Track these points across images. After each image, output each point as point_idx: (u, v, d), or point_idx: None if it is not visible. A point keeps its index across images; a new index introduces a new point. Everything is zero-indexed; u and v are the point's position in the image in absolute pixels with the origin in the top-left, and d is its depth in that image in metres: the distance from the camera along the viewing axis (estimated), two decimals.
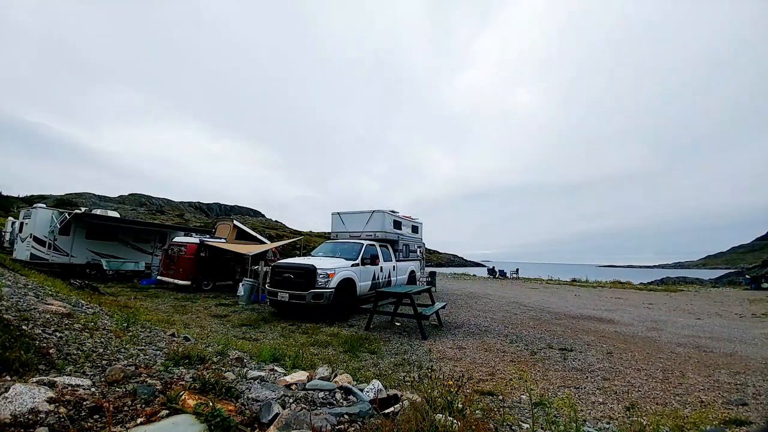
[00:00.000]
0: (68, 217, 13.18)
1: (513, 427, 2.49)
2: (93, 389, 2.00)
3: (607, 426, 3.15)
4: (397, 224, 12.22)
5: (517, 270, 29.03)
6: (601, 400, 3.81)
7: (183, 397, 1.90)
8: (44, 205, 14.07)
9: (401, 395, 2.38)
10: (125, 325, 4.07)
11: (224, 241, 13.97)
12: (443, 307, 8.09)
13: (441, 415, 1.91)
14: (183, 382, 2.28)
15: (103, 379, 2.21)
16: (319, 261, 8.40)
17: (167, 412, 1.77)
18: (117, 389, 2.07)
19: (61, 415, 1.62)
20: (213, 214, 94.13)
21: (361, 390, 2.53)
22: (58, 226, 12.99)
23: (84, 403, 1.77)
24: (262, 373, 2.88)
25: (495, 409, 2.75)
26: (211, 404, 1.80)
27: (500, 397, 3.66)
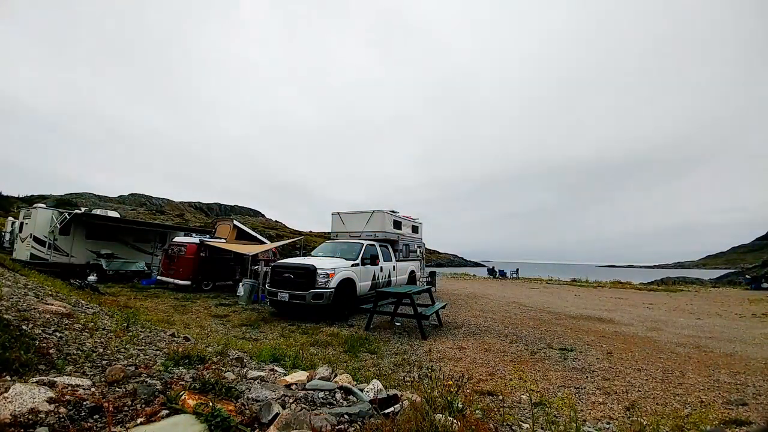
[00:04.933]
0: (68, 217, 13.17)
1: (513, 427, 2.49)
2: (93, 389, 1.99)
3: (607, 426, 3.15)
4: (397, 224, 12.22)
5: (517, 270, 29.04)
6: (601, 400, 3.81)
7: (183, 397, 1.90)
8: (44, 205, 14.06)
9: (401, 395, 2.38)
10: (125, 325, 4.07)
11: (224, 241, 13.97)
12: (443, 307, 8.09)
13: (441, 415, 1.91)
14: (183, 382, 2.28)
15: (103, 379, 2.21)
16: (319, 261, 8.40)
17: (167, 412, 1.77)
18: (117, 389, 2.07)
19: (61, 415, 1.62)
20: (213, 214, 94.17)
21: (361, 390, 2.53)
22: (58, 226, 12.98)
23: (84, 403, 1.77)
24: (262, 373, 2.88)
25: (495, 409, 2.75)
26: (211, 404, 1.80)
27: (500, 397, 3.66)
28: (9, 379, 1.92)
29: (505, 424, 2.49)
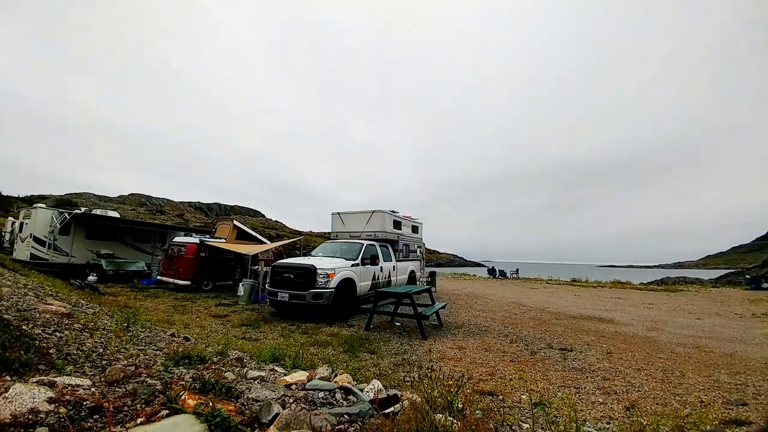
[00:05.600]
0: (68, 217, 13.17)
1: (513, 427, 2.49)
2: (93, 389, 2.00)
3: (607, 426, 3.15)
4: (397, 224, 12.22)
5: (517, 270, 29.04)
6: (601, 400, 3.81)
7: (183, 397, 1.90)
8: (44, 205, 14.06)
9: (401, 395, 2.38)
10: (125, 325, 4.07)
11: (224, 241, 13.97)
12: (443, 307, 8.08)
13: (441, 415, 1.91)
14: (183, 382, 2.28)
15: (103, 379, 2.21)
16: (319, 261, 8.40)
17: (167, 412, 1.77)
18: (117, 389, 2.07)
19: (61, 415, 1.62)
20: (213, 214, 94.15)
21: (361, 390, 2.53)
22: (58, 226, 12.98)
23: (84, 403, 1.77)
24: (262, 373, 2.88)
25: (495, 409, 2.75)
26: (211, 404, 1.80)
27: (500, 397, 3.66)
28: (9, 379, 1.92)
29: (505, 424, 2.49)
